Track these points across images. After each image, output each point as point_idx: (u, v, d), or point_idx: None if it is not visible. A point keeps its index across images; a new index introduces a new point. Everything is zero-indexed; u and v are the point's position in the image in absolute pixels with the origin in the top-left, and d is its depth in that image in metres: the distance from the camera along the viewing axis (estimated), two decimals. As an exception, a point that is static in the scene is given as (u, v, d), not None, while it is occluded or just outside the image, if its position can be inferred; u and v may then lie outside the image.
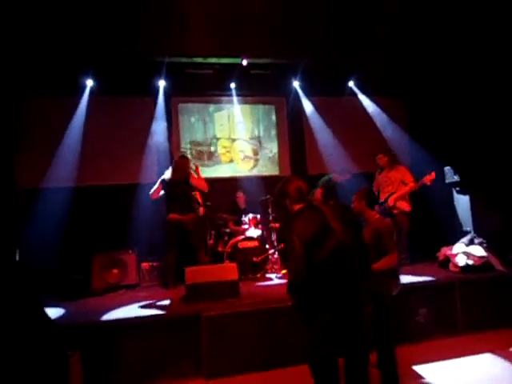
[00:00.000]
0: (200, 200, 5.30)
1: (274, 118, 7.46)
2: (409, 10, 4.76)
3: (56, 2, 4.45)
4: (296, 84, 7.12)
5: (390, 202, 5.14)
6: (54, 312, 4.09)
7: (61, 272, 5.28)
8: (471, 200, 5.45)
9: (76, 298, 4.83)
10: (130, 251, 5.59)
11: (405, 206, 5.12)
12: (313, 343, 2.24)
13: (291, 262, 2.28)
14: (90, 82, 6.19)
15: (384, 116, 7.03)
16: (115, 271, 5.39)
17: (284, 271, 5.48)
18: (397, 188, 5.18)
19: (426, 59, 6.12)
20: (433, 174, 4.90)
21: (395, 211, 5.12)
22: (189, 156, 6.92)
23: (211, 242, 5.79)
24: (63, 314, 4.07)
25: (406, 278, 4.41)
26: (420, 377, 3.25)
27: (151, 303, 4.24)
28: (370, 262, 2.55)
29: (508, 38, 4.81)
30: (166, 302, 4.26)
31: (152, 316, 3.72)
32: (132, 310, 3.95)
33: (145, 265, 5.55)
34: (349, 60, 6.27)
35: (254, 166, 7.31)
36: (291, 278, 2.29)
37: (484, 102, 5.33)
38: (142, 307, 4.07)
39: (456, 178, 5.60)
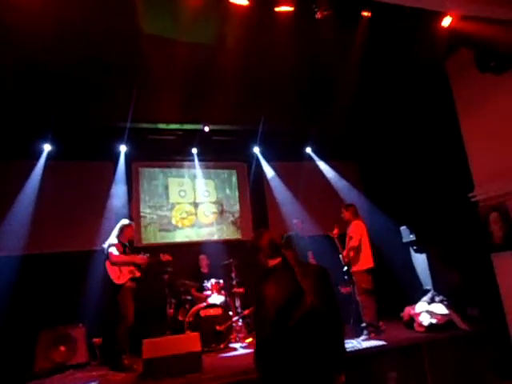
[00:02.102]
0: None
1: (235, 182, 7.58)
2: (361, 85, 5.24)
3: (14, 68, 4.46)
4: (256, 150, 7.39)
5: (343, 261, 5.03)
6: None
7: (1, 352, 4.70)
8: (428, 258, 5.63)
9: (18, 381, 4.27)
10: (80, 325, 5.10)
11: (360, 264, 4.90)
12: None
13: (259, 327, 2.14)
14: (47, 147, 6.07)
15: (341, 179, 7.39)
16: (62, 349, 4.85)
17: (249, 340, 5.21)
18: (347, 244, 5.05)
19: (377, 124, 6.66)
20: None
21: (352, 270, 4.97)
22: (148, 221, 6.78)
23: (171, 311, 5.45)
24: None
25: (373, 342, 4.38)
26: None
27: (103, 384, 3.82)
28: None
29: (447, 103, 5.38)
30: (120, 381, 3.84)
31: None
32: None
33: (97, 340, 5.07)
34: (305, 127, 6.67)
35: (223, 223, 7.26)
36: (258, 343, 2.14)
37: (432, 163, 5.76)
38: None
39: (412, 237, 5.82)
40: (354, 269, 4.95)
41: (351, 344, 4.29)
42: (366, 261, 4.92)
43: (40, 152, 6.04)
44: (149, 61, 4.39)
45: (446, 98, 5.36)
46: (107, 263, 4.54)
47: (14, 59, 4.30)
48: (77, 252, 5.89)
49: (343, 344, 2.21)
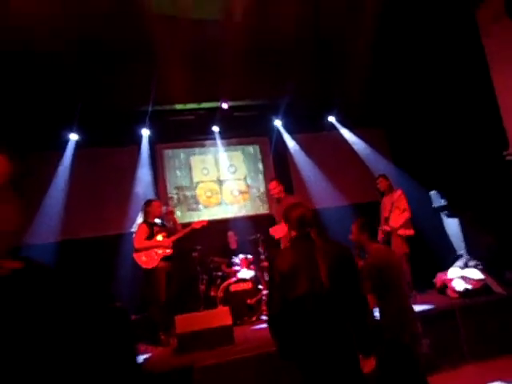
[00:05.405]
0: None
1: (259, 157, 7.53)
2: (383, 41, 4.95)
3: (34, 62, 4.55)
4: (278, 123, 7.26)
5: (386, 228, 4.99)
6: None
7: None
8: (461, 222, 5.42)
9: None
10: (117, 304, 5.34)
11: (405, 231, 4.93)
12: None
13: (268, 296, 2.15)
14: (73, 136, 6.25)
15: (366, 147, 7.17)
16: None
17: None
18: (389, 213, 5.06)
19: (403, 85, 6.33)
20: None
21: (395, 235, 4.94)
22: (175, 201, 6.90)
23: (203, 287, 5.61)
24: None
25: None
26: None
27: (140, 358, 4.02)
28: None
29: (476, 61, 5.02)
30: (157, 356, 4.04)
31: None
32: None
33: (133, 318, 5.31)
34: (327, 95, 6.45)
35: (249, 199, 7.29)
36: (267, 311, 2.17)
37: (462, 123, 5.46)
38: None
39: (443, 202, 5.61)
40: (401, 233, 4.91)
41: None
42: (410, 226, 4.97)
43: (67, 142, 6.23)
44: (160, 42, 4.35)
45: (477, 53, 4.99)
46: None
47: (29, 53, 4.39)
48: (108, 236, 6.12)
49: (369, 325, 2.15)
